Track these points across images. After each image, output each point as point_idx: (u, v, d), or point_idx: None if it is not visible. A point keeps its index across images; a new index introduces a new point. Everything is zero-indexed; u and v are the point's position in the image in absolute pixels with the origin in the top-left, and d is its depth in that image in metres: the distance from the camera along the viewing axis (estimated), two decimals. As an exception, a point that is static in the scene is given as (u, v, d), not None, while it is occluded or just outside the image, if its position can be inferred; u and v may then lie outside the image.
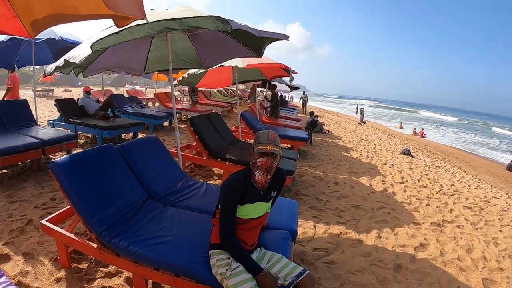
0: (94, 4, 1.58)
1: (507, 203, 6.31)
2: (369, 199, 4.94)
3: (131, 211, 2.49)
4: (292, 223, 2.66)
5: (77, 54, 2.82)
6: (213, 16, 2.57)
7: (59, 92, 26.27)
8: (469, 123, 55.12)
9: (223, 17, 2.65)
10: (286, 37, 3.58)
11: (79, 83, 42.09)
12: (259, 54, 4.27)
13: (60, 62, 3.03)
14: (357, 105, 29.09)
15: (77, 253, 2.67)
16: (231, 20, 2.67)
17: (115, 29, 2.93)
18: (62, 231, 2.44)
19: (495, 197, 6.57)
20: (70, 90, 30.45)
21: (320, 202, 4.52)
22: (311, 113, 12.47)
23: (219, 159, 4.79)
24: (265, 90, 15.57)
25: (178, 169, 3.52)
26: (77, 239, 2.38)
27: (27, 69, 8.79)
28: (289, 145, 7.41)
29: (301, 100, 23.15)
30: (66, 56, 2.98)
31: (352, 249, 3.32)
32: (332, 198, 4.75)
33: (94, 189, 2.38)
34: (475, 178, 9.20)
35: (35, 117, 5.79)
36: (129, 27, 2.55)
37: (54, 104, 7.18)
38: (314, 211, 4.18)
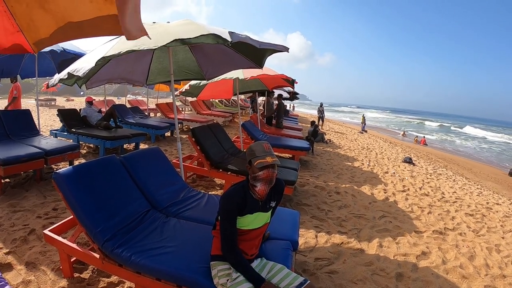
0: (98, 20, 1.62)
1: (509, 209, 6.28)
2: (370, 208, 4.94)
3: (133, 222, 2.52)
4: (294, 234, 2.67)
5: (80, 67, 2.87)
6: (213, 34, 2.61)
7: (61, 102, 26.49)
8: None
9: (222, 30, 2.70)
10: (286, 49, 3.62)
11: (81, 93, 42.44)
12: (260, 65, 4.32)
13: (64, 74, 3.08)
14: (363, 114, 27.02)
15: (80, 263, 2.69)
16: (233, 32, 2.72)
17: (118, 41, 3.00)
18: (65, 241, 2.46)
19: (497, 204, 6.55)
20: (72, 100, 30.71)
21: (321, 212, 4.52)
22: (312, 123, 12.48)
23: (220, 170, 4.82)
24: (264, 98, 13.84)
25: (180, 180, 3.55)
26: (79, 249, 2.40)
27: (30, 78, 9.06)
28: (290, 155, 7.43)
29: (318, 113, 19.55)
30: (69, 69, 3.03)
31: (353, 258, 3.32)
32: (333, 208, 4.75)
33: (97, 200, 2.40)
34: (477, 185, 9.17)
35: (37, 127, 5.85)
36: (133, 46, 2.61)
37: (57, 114, 7.24)
38: (315, 221, 4.19)
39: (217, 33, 2.65)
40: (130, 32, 1.49)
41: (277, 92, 12.04)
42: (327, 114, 25.08)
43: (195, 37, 2.59)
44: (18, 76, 8.03)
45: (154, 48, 2.64)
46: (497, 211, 5.82)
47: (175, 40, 2.60)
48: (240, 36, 2.78)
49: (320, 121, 19.16)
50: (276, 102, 11.06)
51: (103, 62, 2.82)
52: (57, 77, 3.48)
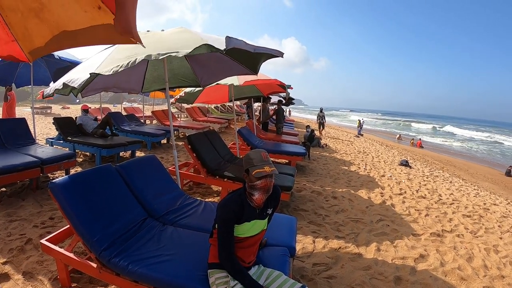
0: (92, 30, 1.63)
1: (506, 209, 6.31)
2: (368, 212, 4.95)
3: (130, 231, 2.51)
4: (291, 240, 2.66)
5: (76, 78, 2.87)
6: (205, 44, 2.63)
7: (57, 110, 26.43)
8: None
9: (217, 37, 2.72)
10: (280, 54, 3.63)
11: (77, 101, 42.31)
12: (255, 71, 4.34)
13: (59, 85, 3.08)
14: (360, 119, 25.59)
15: (77, 272, 2.67)
16: (230, 37, 2.73)
17: (113, 50, 3.01)
18: (62, 250, 2.45)
19: (494, 204, 6.58)
20: (68, 108, 30.63)
21: (319, 217, 4.52)
22: (307, 127, 12.50)
23: (217, 177, 4.81)
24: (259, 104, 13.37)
25: (176, 188, 3.54)
26: (76, 258, 2.39)
27: (25, 86, 9.12)
28: (286, 160, 7.43)
29: (318, 119, 18.17)
30: (64, 79, 3.03)
31: (352, 263, 3.31)
32: (330, 213, 4.75)
33: (94, 209, 2.40)
34: (474, 186, 9.21)
35: (33, 135, 5.83)
36: (127, 58, 2.62)
37: (53, 123, 7.23)
38: (313, 226, 4.18)
39: (212, 41, 2.67)
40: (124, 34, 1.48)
41: (276, 98, 12.06)
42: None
43: (189, 52, 2.61)
44: (13, 84, 8.03)
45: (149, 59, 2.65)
46: (494, 212, 5.85)
47: (169, 53, 2.62)
48: (235, 42, 2.79)
49: (320, 127, 17.88)
50: (271, 107, 11.07)
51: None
52: (52, 86, 3.48)
